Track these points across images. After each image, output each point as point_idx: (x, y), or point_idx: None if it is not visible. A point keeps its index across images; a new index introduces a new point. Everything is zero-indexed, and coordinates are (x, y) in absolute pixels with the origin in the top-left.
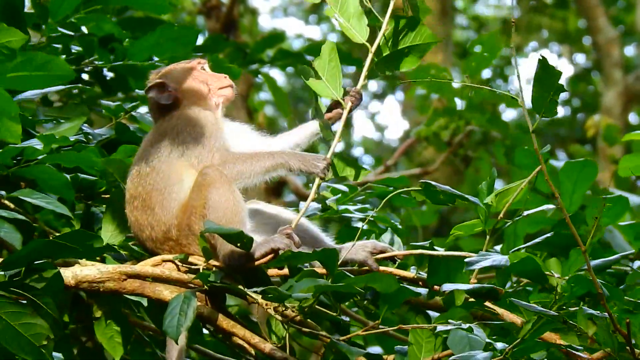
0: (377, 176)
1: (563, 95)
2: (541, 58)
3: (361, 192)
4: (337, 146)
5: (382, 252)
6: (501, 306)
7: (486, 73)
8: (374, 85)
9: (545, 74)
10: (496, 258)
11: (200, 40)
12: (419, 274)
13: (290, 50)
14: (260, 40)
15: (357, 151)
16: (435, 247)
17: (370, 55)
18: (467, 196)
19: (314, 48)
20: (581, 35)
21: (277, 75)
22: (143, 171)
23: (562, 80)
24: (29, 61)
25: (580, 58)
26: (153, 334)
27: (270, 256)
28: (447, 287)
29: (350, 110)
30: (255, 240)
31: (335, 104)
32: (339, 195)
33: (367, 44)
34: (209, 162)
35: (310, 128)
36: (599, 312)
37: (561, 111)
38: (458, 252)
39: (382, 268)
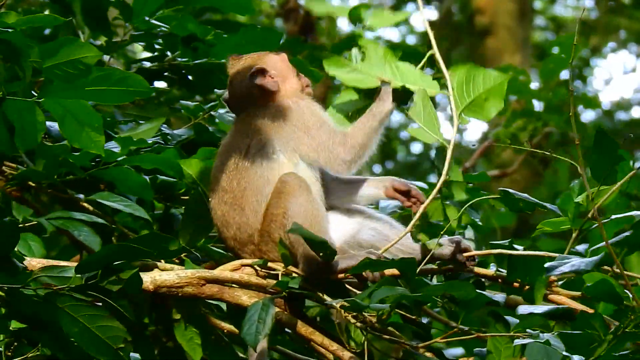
0: None
1: None
2: (599, 131)
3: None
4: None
5: (465, 250)
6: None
7: (565, 74)
8: None
9: (604, 145)
10: (575, 262)
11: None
12: (499, 271)
13: None
14: (338, 42)
15: None
16: (515, 246)
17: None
18: (546, 204)
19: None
20: None
21: None
22: (241, 165)
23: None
24: (106, 77)
25: None
26: (233, 335)
27: None
28: (523, 309)
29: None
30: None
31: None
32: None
33: (445, 92)
34: (331, 150)
35: (373, 190)
36: None
37: None
38: (538, 252)
39: None
